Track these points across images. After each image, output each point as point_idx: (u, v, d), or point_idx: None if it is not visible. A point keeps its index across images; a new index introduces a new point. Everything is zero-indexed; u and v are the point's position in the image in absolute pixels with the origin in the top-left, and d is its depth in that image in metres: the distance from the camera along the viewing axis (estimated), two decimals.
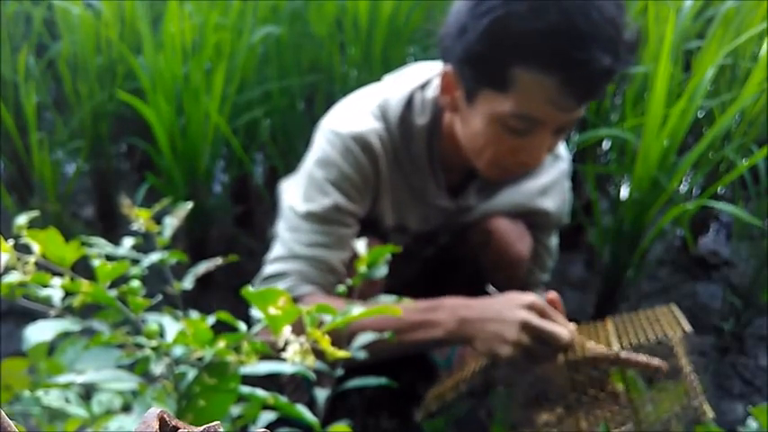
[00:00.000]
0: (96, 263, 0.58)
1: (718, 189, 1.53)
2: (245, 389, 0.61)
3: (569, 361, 0.81)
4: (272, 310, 0.51)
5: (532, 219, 1.09)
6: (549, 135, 0.85)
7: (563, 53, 0.76)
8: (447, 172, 0.99)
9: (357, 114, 0.96)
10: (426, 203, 1.00)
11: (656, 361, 0.80)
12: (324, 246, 0.94)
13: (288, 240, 0.96)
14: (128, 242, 0.69)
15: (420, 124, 0.95)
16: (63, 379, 0.58)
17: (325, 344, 0.51)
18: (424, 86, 0.96)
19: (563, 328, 0.81)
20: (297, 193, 0.98)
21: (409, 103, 0.95)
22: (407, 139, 0.95)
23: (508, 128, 0.83)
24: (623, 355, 0.79)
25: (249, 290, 0.52)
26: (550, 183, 1.06)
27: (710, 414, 0.79)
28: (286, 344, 0.53)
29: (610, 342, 0.81)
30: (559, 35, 0.76)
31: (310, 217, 0.94)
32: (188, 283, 0.67)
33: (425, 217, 1.02)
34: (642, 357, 0.80)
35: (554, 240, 1.15)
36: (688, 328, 0.80)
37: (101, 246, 0.65)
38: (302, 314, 0.53)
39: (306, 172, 0.98)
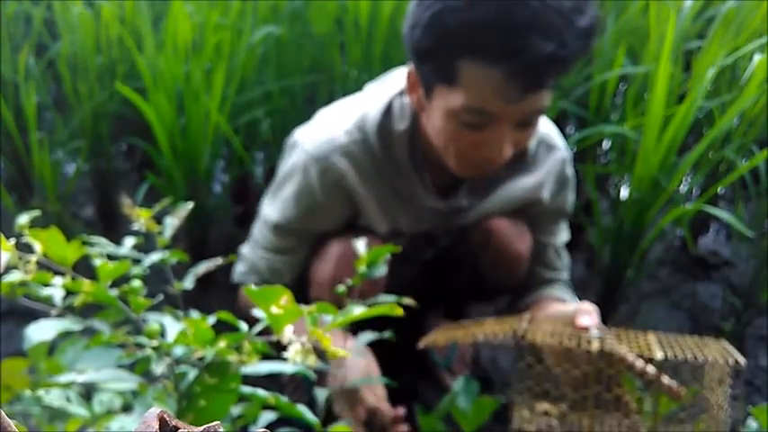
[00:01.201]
0: (98, 262, 0.58)
1: (719, 189, 1.53)
2: (246, 389, 0.61)
3: (604, 351, 0.80)
4: (274, 309, 0.51)
5: (531, 212, 1.08)
6: (509, 129, 0.84)
7: (500, 43, 0.76)
8: (434, 173, 0.99)
9: (328, 130, 0.97)
10: (416, 206, 1.01)
11: (680, 390, 0.79)
12: (271, 250, 1.04)
13: (251, 238, 1.08)
14: (129, 242, 0.69)
15: (400, 130, 0.95)
16: (64, 379, 0.58)
17: (327, 343, 0.51)
18: (402, 92, 0.96)
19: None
20: (267, 197, 1.06)
21: (388, 111, 0.96)
22: (388, 147, 0.96)
23: (464, 123, 0.84)
24: (652, 370, 0.78)
25: (251, 289, 0.52)
26: (546, 175, 1.04)
27: None
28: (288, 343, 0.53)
29: (651, 349, 0.79)
30: (496, 25, 0.76)
31: (262, 223, 1.05)
32: (189, 282, 0.67)
33: (418, 219, 1.02)
34: (671, 381, 0.79)
35: (561, 237, 1.13)
36: (743, 361, 0.77)
37: (102, 245, 0.65)
38: (304, 314, 0.53)
39: (277, 177, 1.04)
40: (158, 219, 0.68)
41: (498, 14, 0.75)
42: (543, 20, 0.75)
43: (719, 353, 0.78)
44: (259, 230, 1.06)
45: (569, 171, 1.07)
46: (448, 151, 0.89)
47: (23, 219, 0.58)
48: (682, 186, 1.40)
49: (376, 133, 0.95)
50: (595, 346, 0.79)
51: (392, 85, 0.98)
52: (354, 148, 0.96)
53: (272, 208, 1.03)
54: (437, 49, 0.81)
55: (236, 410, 0.66)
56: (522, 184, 1.04)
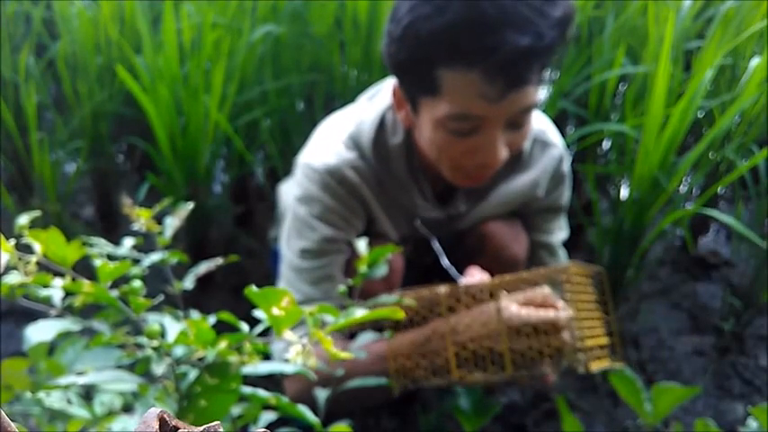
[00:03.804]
0: (98, 263, 0.58)
1: (719, 189, 1.53)
2: (247, 389, 0.61)
3: (456, 292, 0.86)
4: (276, 311, 0.51)
5: (526, 210, 1.08)
6: (500, 131, 0.83)
7: (474, 43, 0.75)
8: (432, 183, 0.99)
9: (330, 147, 0.97)
10: (416, 216, 1.01)
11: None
12: (329, 278, 0.97)
13: (295, 282, 0.98)
14: (128, 242, 0.69)
15: (395, 144, 0.95)
16: (64, 381, 0.58)
17: (328, 345, 0.51)
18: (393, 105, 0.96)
19: None
20: (289, 234, 1.00)
21: (382, 125, 0.95)
22: (385, 161, 0.96)
23: (453, 131, 0.83)
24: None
25: (253, 290, 0.52)
26: (542, 173, 1.04)
27: (598, 368, 0.81)
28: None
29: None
30: (466, 26, 0.75)
31: (306, 254, 0.97)
32: (189, 282, 0.67)
33: (418, 227, 1.03)
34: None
35: (557, 235, 1.13)
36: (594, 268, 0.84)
37: (101, 246, 0.65)
38: (305, 315, 0.53)
39: (291, 210, 1.00)
40: (158, 219, 0.68)
41: (467, 15, 0.74)
42: (514, 14, 0.74)
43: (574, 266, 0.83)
44: (290, 273, 0.99)
45: (565, 168, 1.07)
46: (442, 162, 0.89)
47: (23, 219, 0.58)
48: (682, 186, 1.40)
49: (372, 149, 0.95)
50: (442, 290, 0.85)
51: (383, 98, 0.98)
52: (358, 163, 0.96)
53: (295, 240, 0.99)
54: (414, 61, 0.80)
55: (236, 410, 0.66)
56: (518, 184, 1.04)
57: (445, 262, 0.96)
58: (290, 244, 1.00)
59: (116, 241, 0.71)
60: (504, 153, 0.86)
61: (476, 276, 0.90)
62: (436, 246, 0.98)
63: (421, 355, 0.86)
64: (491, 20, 0.74)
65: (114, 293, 0.58)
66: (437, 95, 0.81)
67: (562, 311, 0.82)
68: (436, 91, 0.81)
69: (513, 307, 0.82)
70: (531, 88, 0.81)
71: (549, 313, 0.81)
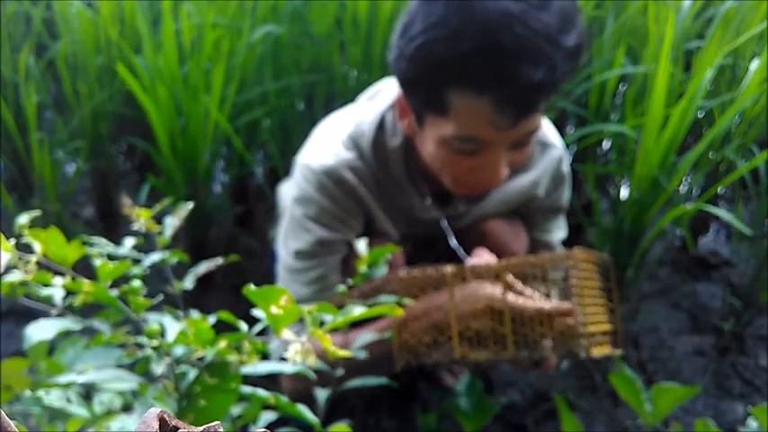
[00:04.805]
0: (98, 262, 0.58)
1: (719, 189, 1.53)
2: (247, 389, 0.61)
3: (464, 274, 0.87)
4: (274, 309, 0.51)
5: (526, 210, 1.08)
6: (503, 152, 0.84)
7: (489, 72, 0.75)
8: (430, 185, 0.99)
9: (328, 148, 0.97)
10: (415, 216, 1.01)
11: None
12: (322, 279, 0.98)
13: (289, 282, 0.99)
14: (128, 242, 0.69)
15: (394, 146, 0.95)
16: (64, 379, 0.58)
17: (327, 343, 0.51)
18: (394, 106, 0.95)
19: None
20: (285, 234, 1.01)
21: (381, 126, 0.95)
22: (384, 162, 0.96)
23: (457, 150, 0.83)
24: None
25: (251, 288, 0.52)
26: (542, 173, 1.04)
27: (599, 354, 0.82)
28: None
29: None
30: (482, 54, 0.75)
31: (300, 255, 0.98)
32: (189, 282, 0.67)
33: (417, 227, 1.03)
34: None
35: (557, 234, 1.13)
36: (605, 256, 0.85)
37: (102, 245, 0.65)
38: (304, 314, 0.53)
39: (288, 210, 1.00)
40: (158, 219, 0.68)
41: (484, 43, 0.74)
42: (531, 46, 0.74)
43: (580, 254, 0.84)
44: (285, 273, 1.00)
45: (565, 168, 1.07)
46: (444, 175, 0.90)
47: (23, 219, 0.58)
48: (682, 186, 1.40)
49: (371, 150, 0.96)
50: (449, 269, 0.86)
51: (383, 98, 0.98)
52: (357, 164, 0.96)
53: (290, 241, 0.99)
54: (425, 81, 0.80)
55: (236, 410, 0.66)
56: (518, 185, 1.04)
57: (453, 242, 0.97)
58: (285, 244, 1.00)
59: (116, 241, 0.71)
60: (505, 172, 0.87)
61: (483, 257, 0.91)
62: (444, 224, 0.99)
63: (423, 332, 0.87)
64: (508, 51, 0.74)
65: (114, 293, 0.58)
66: (445, 116, 0.81)
67: (552, 301, 0.83)
68: (444, 112, 0.81)
69: (519, 300, 0.84)
70: (538, 114, 0.82)
71: (546, 304, 0.83)
